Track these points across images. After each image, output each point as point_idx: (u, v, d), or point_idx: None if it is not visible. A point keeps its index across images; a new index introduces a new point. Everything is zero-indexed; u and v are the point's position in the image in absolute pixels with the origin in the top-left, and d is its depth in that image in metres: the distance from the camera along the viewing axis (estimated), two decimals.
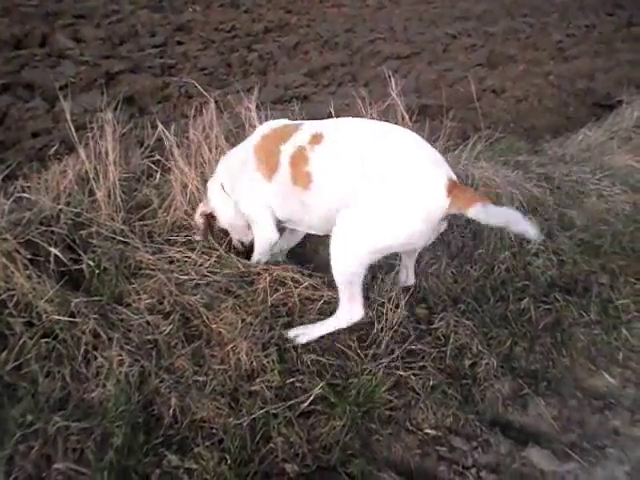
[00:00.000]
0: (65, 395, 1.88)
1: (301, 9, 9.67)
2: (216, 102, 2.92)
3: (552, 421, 2.05)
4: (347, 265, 1.98)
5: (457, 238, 2.71)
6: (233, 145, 2.79)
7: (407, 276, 2.37)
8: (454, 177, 1.93)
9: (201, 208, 2.51)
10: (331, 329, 2.09)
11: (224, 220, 2.48)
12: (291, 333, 2.10)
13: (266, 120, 2.85)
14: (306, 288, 2.30)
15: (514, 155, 3.60)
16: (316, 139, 2.06)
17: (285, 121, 2.40)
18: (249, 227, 2.43)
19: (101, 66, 5.94)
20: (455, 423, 1.99)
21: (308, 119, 3.38)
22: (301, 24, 8.62)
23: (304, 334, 2.10)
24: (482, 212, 1.83)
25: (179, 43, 7.33)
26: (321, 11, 9.69)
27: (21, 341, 1.95)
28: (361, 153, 1.96)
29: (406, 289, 2.36)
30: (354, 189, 1.95)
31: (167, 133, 2.62)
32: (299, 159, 2.06)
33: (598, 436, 2.01)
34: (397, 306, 2.22)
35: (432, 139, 3.26)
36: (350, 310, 2.06)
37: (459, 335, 2.21)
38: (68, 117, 2.51)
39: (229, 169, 2.40)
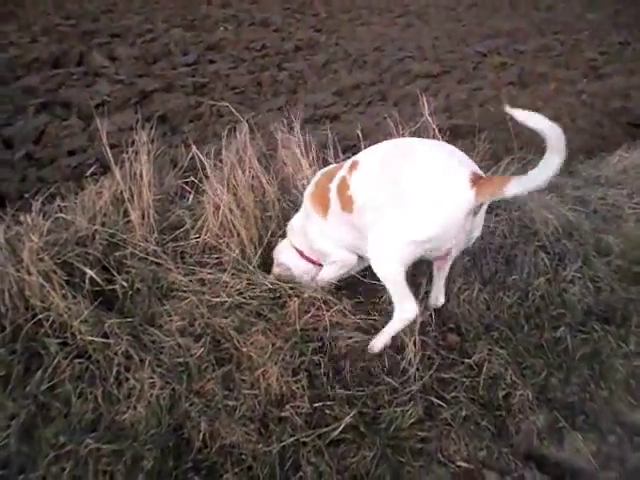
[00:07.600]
0: (97, 416, 1.90)
1: (330, 28, 9.78)
2: (247, 121, 2.95)
3: (590, 457, 1.97)
4: (386, 263, 2.02)
5: (490, 263, 2.66)
6: (266, 168, 2.83)
7: (437, 297, 2.36)
8: (479, 172, 1.92)
9: (275, 270, 2.53)
10: (392, 332, 2.15)
11: (298, 272, 2.52)
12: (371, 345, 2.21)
13: (301, 139, 2.89)
14: (340, 312, 2.30)
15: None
16: (353, 166, 2.17)
17: (333, 165, 2.55)
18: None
19: (135, 85, 6.08)
20: (488, 456, 1.93)
21: (338, 139, 3.42)
22: (330, 43, 8.71)
23: (376, 345, 2.20)
24: (520, 185, 1.77)
25: (211, 62, 7.47)
26: (350, 29, 9.77)
27: (55, 361, 1.99)
28: (390, 165, 2.03)
29: (437, 313, 2.33)
30: (386, 201, 1.99)
31: (200, 155, 2.64)
32: (342, 187, 2.18)
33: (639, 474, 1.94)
34: (426, 333, 2.19)
35: None
36: (402, 309, 2.09)
37: (492, 364, 2.16)
38: (104, 137, 2.52)
39: (296, 229, 2.50)
